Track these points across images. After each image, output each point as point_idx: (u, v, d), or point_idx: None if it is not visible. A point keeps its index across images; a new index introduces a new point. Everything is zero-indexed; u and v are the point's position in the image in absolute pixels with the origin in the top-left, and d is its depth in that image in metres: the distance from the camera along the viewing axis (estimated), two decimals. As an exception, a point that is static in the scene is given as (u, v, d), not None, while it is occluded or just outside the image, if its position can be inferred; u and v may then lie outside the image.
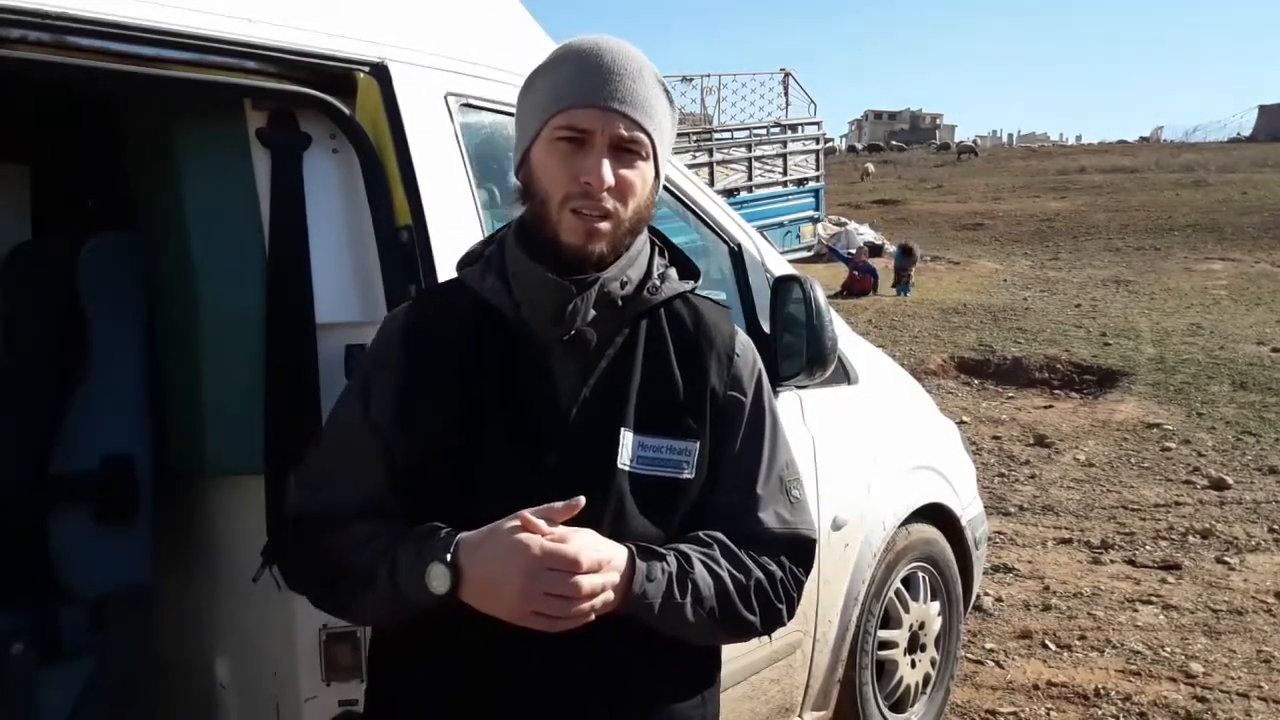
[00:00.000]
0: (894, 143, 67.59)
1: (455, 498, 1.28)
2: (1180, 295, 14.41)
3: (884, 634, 3.05)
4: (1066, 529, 5.70)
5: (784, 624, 1.38)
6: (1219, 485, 6.39)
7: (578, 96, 1.26)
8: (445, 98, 1.91)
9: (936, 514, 3.22)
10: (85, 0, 1.49)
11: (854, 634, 2.87)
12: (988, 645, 4.16)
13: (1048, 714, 3.64)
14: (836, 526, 2.67)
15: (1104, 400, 8.87)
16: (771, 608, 1.34)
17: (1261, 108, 63.05)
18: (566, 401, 1.30)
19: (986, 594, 4.59)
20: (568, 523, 1.19)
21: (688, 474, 1.32)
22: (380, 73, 1.79)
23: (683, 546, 1.29)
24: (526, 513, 1.17)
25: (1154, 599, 4.66)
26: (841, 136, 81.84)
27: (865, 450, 2.88)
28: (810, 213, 18.95)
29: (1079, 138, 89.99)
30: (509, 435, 1.29)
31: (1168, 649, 4.13)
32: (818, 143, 20.11)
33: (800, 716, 2.79)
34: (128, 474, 1.88)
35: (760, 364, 1.43)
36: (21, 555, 1.84)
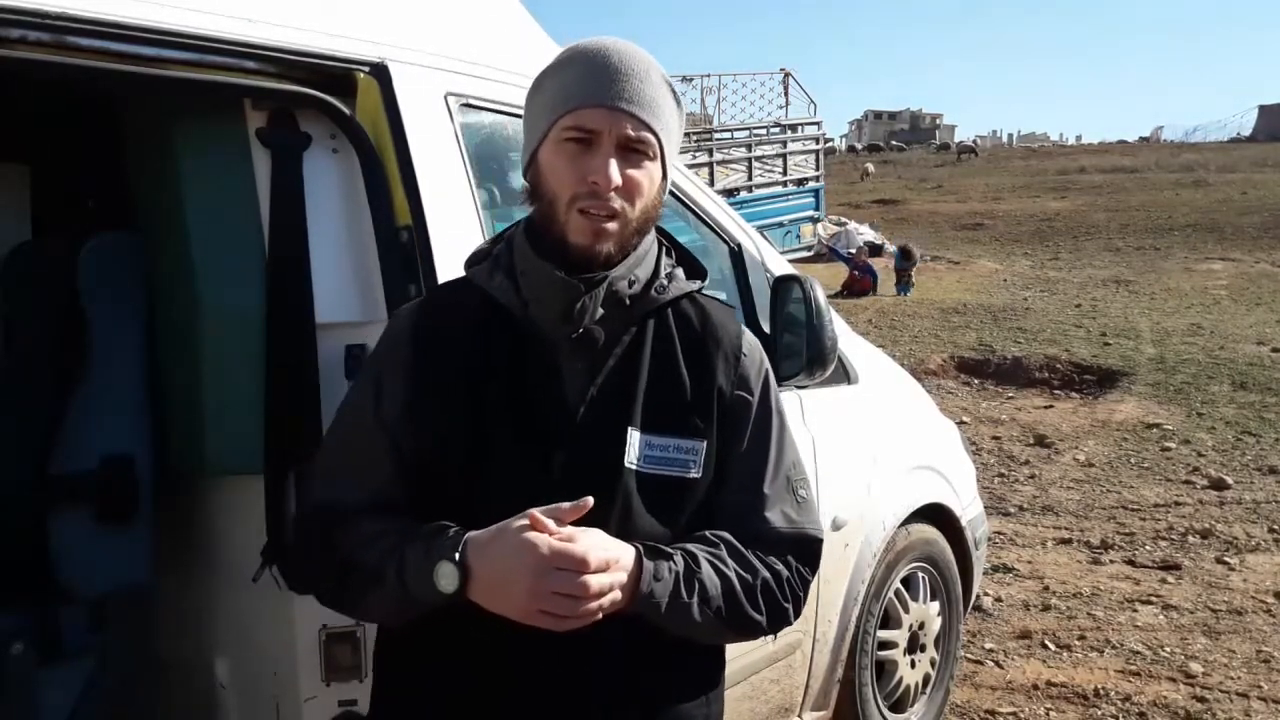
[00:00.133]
0: (894, 143, 67.60)
1: (463, 496, 1.28)
2: (1180, 295, 14.42)
3: (884, 634, 3.05)
4: (1066, 529, 5.70)
5: (790, 623, 1.38)
6: (1219, 485, 6.39)
7: (585, 97, 1.26)
8: (445, 98, 1.91)
9: (936, 514, 3.22)
10: (85, 0, 1.49)
11: (854, 634, 2.87)
12: (987, 645, 4.16)
13: (1047, 714, 3.64)
14: (836, 526, 2.67)
15: (1104, 400, 8.88)
16: (778, 607, 1.34)
17: (1261, 108, 63.05)
18: (574, 400, 1.31)
19: (986, 594, 4.59)
20: (576, 522, 1.19)
21: (694, 473, 1.33)
22: (380, 73, 1.79)
23: (690, 546, 1.29)
24: (535, 511, 1.18)
25: (1154, 599, 4.66)
26: (841, 136, 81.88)
27: (865, 450, 2.88)
28: (810, 213, 18.95)
29: (1079, 138, 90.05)
30: (517, 434, 1.29)
31: (1167, 649, 4.13)
32: (817, 143, 20.11)
33: (800, 716, 2.79)
34: (128, 474, 1.88)
35: (767, 364, 1.44)
36: (21, 555, 1.84)
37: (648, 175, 1.29)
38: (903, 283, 15.13)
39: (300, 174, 1.75)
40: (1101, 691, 3.76)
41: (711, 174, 16.09)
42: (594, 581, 1.16)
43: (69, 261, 1.89)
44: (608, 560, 1.18)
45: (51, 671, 1.87)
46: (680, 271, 1.40)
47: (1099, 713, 3.64)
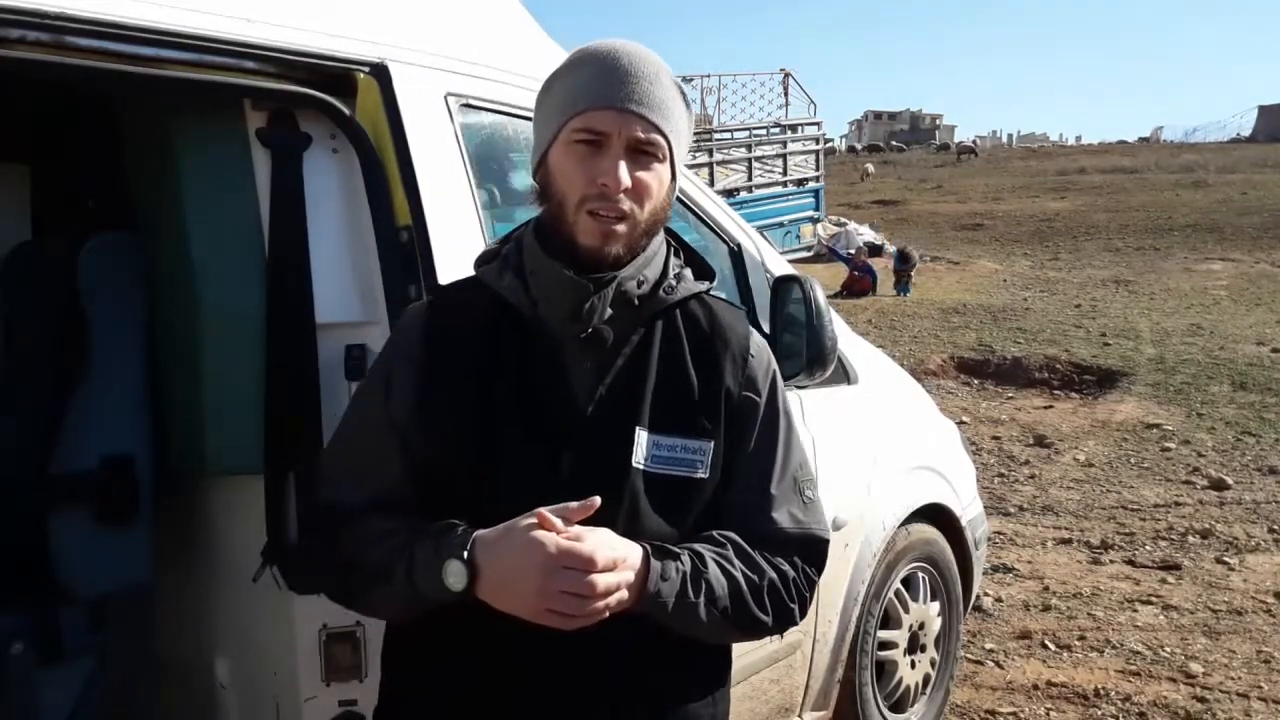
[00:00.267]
0: (894, 143, 67.61)
1: (472, 495, 1.29)
2: (1180, 295, 14.41)
3: (884, 634, 3.05)
4: (1066, 529, 5.70)
5: (796, 623, 1.39)
6: (1219, 485, 6.39)
7: (595, 99, 1.26)
8: (445, 98, 1.91)
9: (936, 514, 3.22)
10: (85, 0, 1.49)
11: (854, 634, 2.87)
12: (987, 645, 4.16)
13: (1047, 714, 3.64)
14: (836, 527, 2.67)
15: (1104, 400, 8.88)
16: (784, 608, 1.34)
17: (1261, 108, 63.06)
18: (582, 400, 1.31)
19: (986, 594, 4.59)
20: (584, 522, 1.20)
21: (702, 473, 1.33)
22: (380, 73, 1.79)
23: (697, 546, 1.30)
24: (543, 510, 1.18)
25: (1154, 599, 4.66)
26: (841, 137, 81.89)
27: (865, 450, 2.88)
28: (810, 213, 18.96)
29: (1079, 138, 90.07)
30: (526, 433, 1.30)
31: (1167, 649, 4.13)
32: (817, 143, 20.12)
33: (800, 717, 2.79)
34: (128, 474, 1.88)
35: (775, 365, 1.44)
36: (21, 555, 1.84)
37: (657, 177, 1.29)
38: (902, 283, 15.14)
39: (300, 174, 1.75)
40: (1101, 691, 3.76)
41: (711, 174, 16.10)
42: (601, 581, 1.16)
43: (69, 261, 1.89)
44: (615, 559, 1.19)
45: (51, 671, 1.87)
46: (689, 272, 1.41)
47: (1099, 713, 3.64)
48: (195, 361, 1.78)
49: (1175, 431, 7.71)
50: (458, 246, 1.82)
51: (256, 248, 1.75)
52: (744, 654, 2.39)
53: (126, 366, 1.90)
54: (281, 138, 1.75)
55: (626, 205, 1.26)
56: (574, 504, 1.19)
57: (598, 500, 1.20)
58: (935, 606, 3.26)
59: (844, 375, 2.84)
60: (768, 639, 1.77)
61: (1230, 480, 6.46)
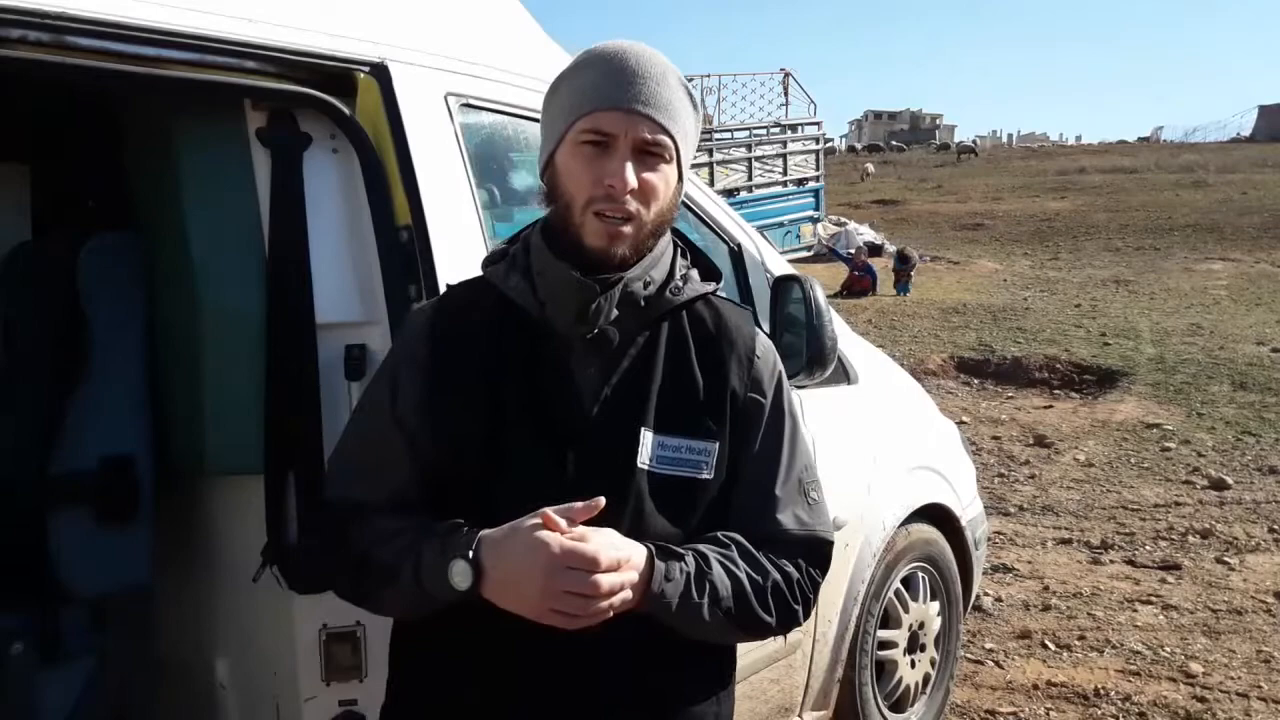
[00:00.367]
0: (894, 143, 67.62)
1: (478, 494, 1.29)
2: (1180, 295, 14.41)
3: (884, 634, 3.05)
4: (1066, 529, 5.70)
5: (800, 624, 1.39)
6: (1219, 485, 6.39)
7: (601, 100, 1.26)
8: (445, 98, 1.91)
9: (936, 514, 3.22)
10: (85, 0, 1.49)
11: (854, 634, 2.87)
12: (987, 645, 4.16)
13: (1047, 714, 3.64)
14: (836, 526, 2.65)
15: (1104, 400, 8.88)
16: (788, 609, 1.34)
17: (1261, 108, 63.04)
18: (588, 400, 1.32)
19: (986, 594, 4.59)
20: (589, 522, 1.20)
21: (706, 474, 1.33)
22: (380, 73, 1.79)
23: (701, 547, 1.30)
24: (548, 510, 1.19)
25: (1154, 599, 4.66)
26: (841, 137, 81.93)
27: (865, 450, 2.88)
28: (810, 213, 18.98)
29: (1079, 138, 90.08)
30: (532, 434, 1.30)
31: (1167, 649, 4.13)
32: (817, 143, 20.14)
33: (800, 716, 2.79)
34: (128, 474, 1.88)
35: (781, 366, 1.44)
36: (21, 555, 1.84)
37: (663, 178, 1.29)
38: (902, 283, 15.14)
39: (300, 174, 1.75)
40: (1101, 691, 3.76)
41: (711, 174, 16.11)
42: (605, 581, 1.17)
43: (69, 261, 1.89)
44: (619, 560, 1.19)
45: (51, 671, 1.87)
46: (695, 273, 1.41)
47: (1099, 713, 3.64)
48: (195, 361, 1.78)
49: (1175, 431, 7.71)
50: (458, 246, 1.82)
51: (256, 248, 1.74)
52: (744, 653, 2.38)
53: (126, 366, 1.90)
54: (281, 138, 1.75)
55: (633, 206, 1.27)
56: (578, 504, 1.20)
57: (602, 501, 1.20)
58: (935, 606, 3.26)
59: (844, 375, 2.84)
60: (769, 638, 1.77)
61: (1230, 480, 6.46)
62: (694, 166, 1.41)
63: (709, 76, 19.89)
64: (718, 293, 1.44)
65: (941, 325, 12.22)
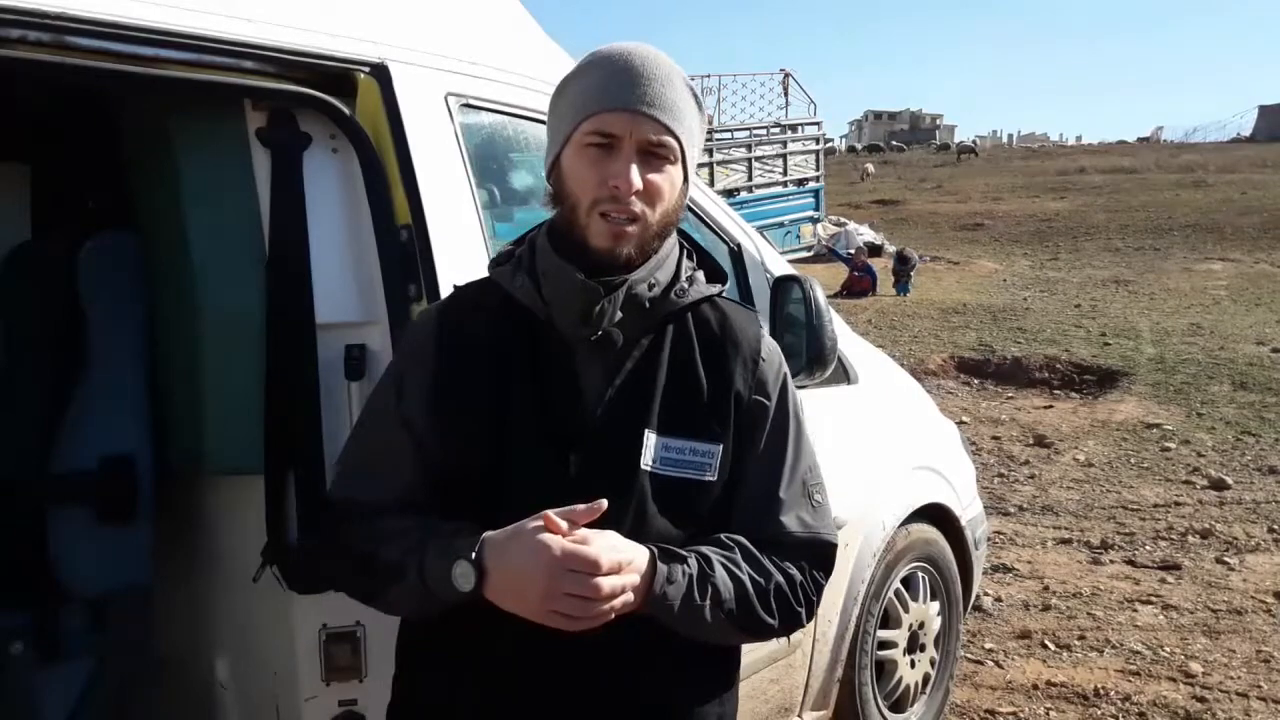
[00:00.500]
0: (894, 143, 67.61)
1: (484, 495, 1.30)
2: (1180, 295, 14.42)
3: (883, 634, 3.05)
4: (1066, 529, 5.70)
5: (803, 626, 1.40)
6: (1219, 485, 6.39)
7: (607, 101, 1.27)
8: (445, 98, 1.91)
9: (936, 514, 3.22)
10: (85, 0, 1.49)
11: (853, 634, 2.87)
12: (987, 645, 4.16)
13: (1047, 714, 3.64)
14: (836, 526, 2.67)
15: (1104, 400, 8.88)
16: (791, 611, 1.35)
17: (1261, 108, 63.04)
18: (592, 402, 1.32)
19: (986, 594, 4.59)
20: (593, 524, 1.20)
21: (710, 476, 1.33)
22: (380, 73, 1.79)
23: (704, 549, 1.30)
24: (549, 513, 1.19)
25: (1154, 599, 4.66)
26: (841, 137, 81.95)
27: (865, 450, 2.88)
28: (810, 213, 18.98)
29: (1079, 138, 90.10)
30: (537, 435, 1.31)
31: (1167, 649, 4.13)
32: (817, 143, 20.14)
33: (800, 716, 2.79)
34: (128, 473, 1.88)
35: (786, 368, 1.44)
36: (21, 555, 1.84)
37: (668, 179, 1.30)
38: (902, 283, 15.13)
39: (300, 174, 1.75)
40: (1101, 691, 3.76)
41: (711, 174, 16.11)
42: (606, 584, 1.17)
43: (69, 261, 1.89)
44: (620, 563, 1.19)
45: (51, 671, 1.87)
46: (701, 275, 1.41)
47: (1099, 713, 3.64)
48: (195, 361, 1.78)
49: (1175, 431, 7.71)
50: (458, 246, 1.82)
51: (256, 248, 1.74)
52: (744, 653, 2.36)
53: (126, 366, 1.90)
54: (281, 138, 1.75)
55: (638, 207, 1.27)
56: (580, 506, 1.20)
57: (604, 503, 1.20)
58: (935, 606, 3.26)
59: (844, 375, 2.84)
60: (771, 640, 1.77)
61: (1230, 480, 6.46)
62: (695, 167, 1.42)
63: (709, 76, 19.91)
64: (724, 294, 1.44)
65: (941, 325, 12.22)
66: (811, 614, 1.39)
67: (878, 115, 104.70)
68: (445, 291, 1.71)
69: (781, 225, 17.63)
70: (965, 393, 9.31)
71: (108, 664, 1.93)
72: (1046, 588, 4.80)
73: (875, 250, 17.93)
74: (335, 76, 1.78)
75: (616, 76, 1.28)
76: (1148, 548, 5.37)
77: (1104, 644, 4.18)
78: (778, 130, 19.04)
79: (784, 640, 2.58)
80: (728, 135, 18.50)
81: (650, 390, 1.33)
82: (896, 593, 3.09)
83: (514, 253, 1.40)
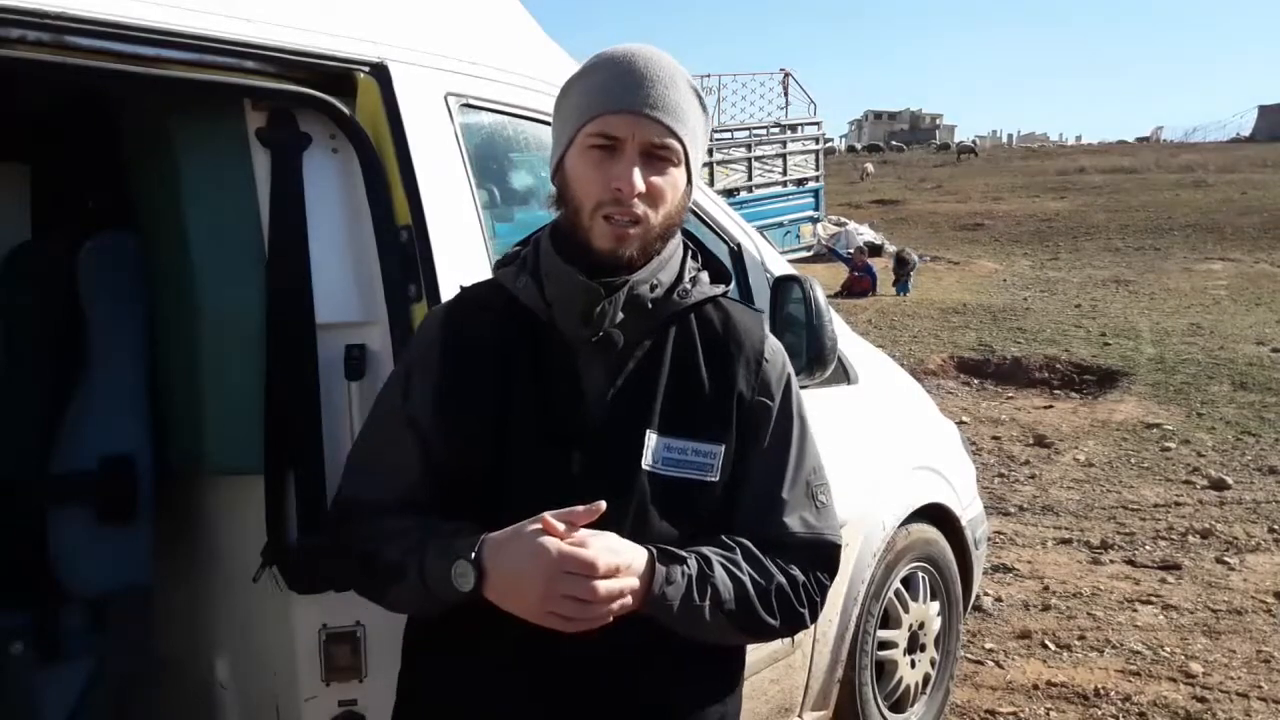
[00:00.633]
0: (894, 143, 67.59)
1: (487, 495, 1.31)
2: (1180, 295, 14.42)
3: (884, 634, 3.05)
4: (1066, 529, 5.70)
5: (806, 627, 1.40)
6: (1219, 485, 6.39)
7: (610, 103, 1.27)
8: (445, 98, 1.91)
9: (936, 514, 3.22)
10: (85, 0, 1.49)
11: (854, 634, 2.87)
12: (987, 645, 4.16)
13: (1047, 714, 3.64)
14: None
15: (1104, 400, 8.88)
16: (793, 612, 1.34)
17: (1261, 108, 63.06)
18: (593, 402, 1.32)
19: (986, 594, 4.59)
20: (594, 524, 1.21)
21: (712, 477, 1.33)
22: (380, 73, 1.79)
23: (704, 550, 1.30)
24: (547, 515, 1.19)
25: (1154, 599, 4.66)
26: (841, 137, 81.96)
27: (865, 450, 2.88)
28: (810, 213, 18.98)
29: (1079, 138, 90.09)
30: (539, 435, 1.31)
31: (1167, 649, 4.13)
32: (817, 143, 20.15)
33: (800, 716, 2.79)
34: (128, 473, 1.88)
35: (790, 369, 1.44)
36: (22, 555, 1.84)
37: (671, 182, 1.30)
38: (901, 283, 15.13)
39: (300, 174, 1.75)
40: (1101, 691, 3.76)
41: (711, 174, 16.11)
42: (603, 586, 1.17)
43: (69, 261, 1.89)
44: (618, 565, 1.19)
45: (51, 671, 1.87)
46: (705, 276, 1.41)
47: (1099, 713, 3.64)
48: (195, 361, 1.78)
49: (1175, 431, 7.71)
50: (458, 246, 1.82)
51: (256, 248, 1.74)
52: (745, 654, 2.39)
53: (126, 366, 1.90)
54: (281, 138, 1.75)
55: (640, 210, 1.27)
56: (580, 508, 1.20)
57: (603, 505, 1.20)
58: (935, 606, 3.26)
59: (844, 375, 2.84)
60: (774, 640, 1.77)
61: (1230, 480, 6.46)
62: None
63: (709, 76, 19.92)
64: (727, 295, 1.44)
65: (941, 325, 12.22)
66: (815, 615, 1.39)
67: (878, 115, 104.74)
68: (445, 291, 1.71)
69: (781, 225, 17.63)
70: (965, 393, 9.32)
71: (108, 664, 1.93)
72: (1046, 588, 4.80)
73: (875, 250, 17.93)
74: (335, 76, 1.78)
75: (620, 79, 1.28)
76: (1148, 548, 5.37)
77: (1104, 644, 4.18)
78: (778, 130, 19.04)
79: (785, 640, 2.58)
80: (728, 135, 18.50)
81: (652, 390, 1.33)
82: (896, 593, 3.09)
83: (519, 254, 1.41)
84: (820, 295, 2.28)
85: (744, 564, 1.31)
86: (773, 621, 1.32)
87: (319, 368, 1.74)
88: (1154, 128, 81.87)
